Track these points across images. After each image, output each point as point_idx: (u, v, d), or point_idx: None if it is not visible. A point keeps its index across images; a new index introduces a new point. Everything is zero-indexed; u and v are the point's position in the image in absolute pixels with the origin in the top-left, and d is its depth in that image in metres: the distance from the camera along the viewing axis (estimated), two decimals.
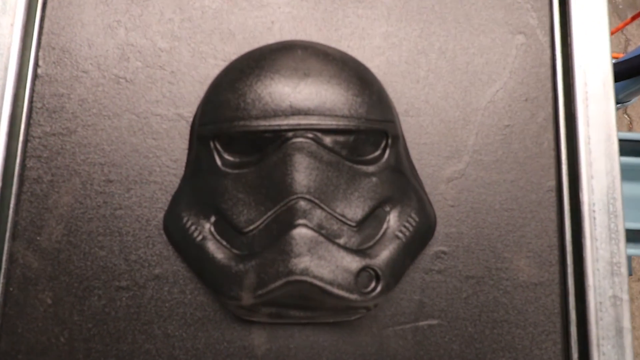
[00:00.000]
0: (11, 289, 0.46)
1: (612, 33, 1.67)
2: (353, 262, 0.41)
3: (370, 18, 0.53)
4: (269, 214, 0.41)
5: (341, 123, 0.42)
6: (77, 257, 0.47)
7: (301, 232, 0.40)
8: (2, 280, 0.46)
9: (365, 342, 0.47)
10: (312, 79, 0.42)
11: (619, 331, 0.48)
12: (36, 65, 0.50)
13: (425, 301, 0.48)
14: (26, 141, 0.49)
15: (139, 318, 0.46)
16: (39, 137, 0.49)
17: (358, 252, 0.42)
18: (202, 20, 0.52)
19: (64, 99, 0.50)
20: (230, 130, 0.42)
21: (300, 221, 0.40)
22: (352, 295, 0.40)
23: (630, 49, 1.94)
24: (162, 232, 0.47)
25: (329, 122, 0.42)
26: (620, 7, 1.96)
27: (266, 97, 0.42)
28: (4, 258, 0.46)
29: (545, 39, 0.54)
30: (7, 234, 0.47)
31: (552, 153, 0.51)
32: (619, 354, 0.48)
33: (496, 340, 0.48)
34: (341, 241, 0.42)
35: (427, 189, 0.49)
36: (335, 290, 0.40)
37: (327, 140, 0.42)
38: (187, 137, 0.49)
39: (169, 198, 0.48)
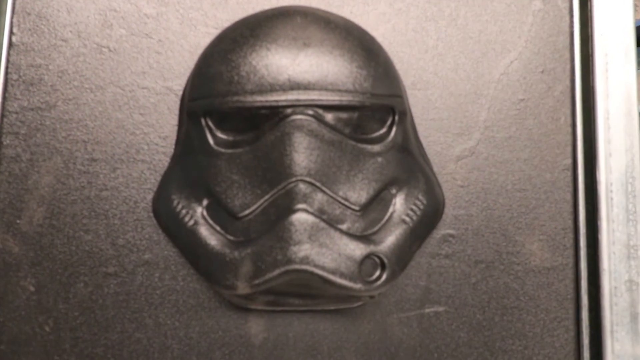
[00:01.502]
0: None
1: None
2: (357, 249, 0.38)
3: None
4: (266, 197, 0.38)
5: (344, 98, 0.38)
6: (61, 242, 0.44)
7: (301, 218, 0.37)
8: None
9: (368, 329, 0.44)
10: (312, 50, 0.38)
11: (634, 317, 0.46)
12: (10, 33, 0.46)
13: (432, 287, 0.45)
14: (2, 116, 0.45)
15: (128, 306, 0.43)
16: (16, 112, 0.45)
17: (362, 238, 0.39)
18: None
19: (42, 70, 0.45)
20: (223, 107, 0.38)
21: (300, 206, 0.37)
22: (356, 284, 0.38)
23: (638, 16, 1.87)
24: (151, 214, 0.44)
25: (331, 98, 0.38)
26: None
27: (262, 69, 0.38)
28: None
29: (564, 5, 0.49)
30: None
31: (569, 129, 0.48)
32: (634, 340, 0.46)
33: (506, 328, 0.45)
34: (344, 227, 0.39)
35: (436, 169, 0.46)
36: (338, 280, 0.37)
37: (329, 117, 0.39)
38: (177, 112, 0.45)
39: (158, 178, 0.44)
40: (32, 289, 0.43)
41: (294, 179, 0.37)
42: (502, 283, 0.46)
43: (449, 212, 0.46)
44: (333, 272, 0.37)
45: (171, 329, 0.43)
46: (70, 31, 0.46)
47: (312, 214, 0.37)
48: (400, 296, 0.45)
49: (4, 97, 0.45)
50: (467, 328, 0.45)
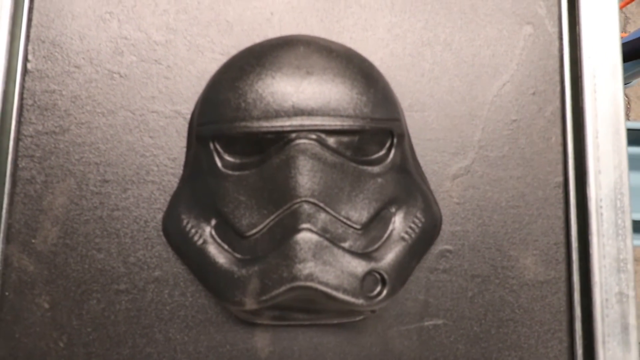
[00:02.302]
0: (7, 293, 0.45)
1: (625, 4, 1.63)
2: (358, 267, 0.40)
3: (373, 8, 0.51)
4: (272, 217, 0.40)
5: (346, 123, 0.40)
6: (74, 260, 0.45)
7: (305, 237, 0.39)
8: None
9: (370, 342, 0.46)
10: (315, 77, 0.41)
11: (625, 328, 0.48)
12: (25, 59, 0.48)
13: (430, 301, 0.47)
14: (17, 140, 0.47)
15: (139, 322, 0.45)
16: (31, 136, 0.47)
17: (363, 255, 0.41)
18: (199, 12, 0.50)
19: (56, 95, 0.48)
20: (231, 132, 0.40)
21: (304, 225, 0.39)
22: (358, 300, 0.40)
23: (630, 27, 1.91)
24: (161, 233, 0.46)
25: (333, 123, 0.40)
26: None
27: (268, 96, 0.40)
28: None
29: (554, 30, 0.52)
30: (1, 237, 0.45)
31: (560, 148, 0.50)
32: (625, 351, 0.48)
33: (502, 340, 0.47)
34: (346, 245, 0.41)
35: (432, 187, 0.48)
36: (341, 296, 0.39)
37: (331, 141, 0.41)
38: (185, 135, 0.47)
39: (168, 198, 0.46)
40: (46, 306, 0.45)
41: (298, 200, 0.39)
42: (497, 296, 0.47)
43: (446, 228, 0.48)
44: (336, 289, 0.39)
45: (180, 343, 0.45)
46: (83, 58, 0.48)
47: (316, 233, 0.39)
48: (400, 310, 0.47)
49: (20, 122, 0.47)
50: (465, 340, 0.47)
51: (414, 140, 0.49)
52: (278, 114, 0.40)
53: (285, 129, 0.39)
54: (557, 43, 0.52)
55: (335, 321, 0.45)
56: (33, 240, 0.45)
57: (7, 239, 0.45)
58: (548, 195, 0.49)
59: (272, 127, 0.40)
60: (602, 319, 0.48)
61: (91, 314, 0.45)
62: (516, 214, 0.49)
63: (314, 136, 0.40)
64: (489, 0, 0.51)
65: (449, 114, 0.50)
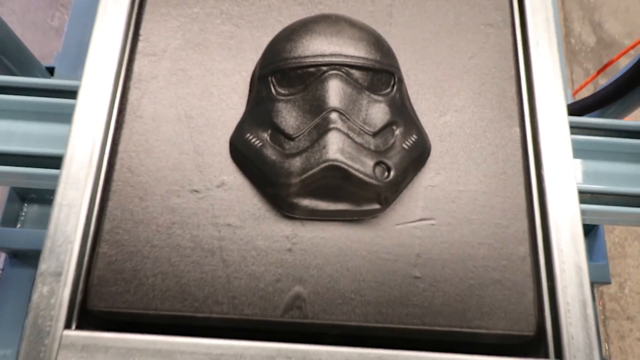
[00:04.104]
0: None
1: (577, 90, 1.88)
2: (372, 157, 0.56)
3: (375, 19, 0.72)
4: (311, 123, 0.57)
5: (362, 62, 0.59)
6: (163, 166, 0.62)
7: (334, 134, 0.56)
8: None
9: (382, 235, 0.61)
10: (341, 35, 0.60)
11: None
12: None
13: (427, 206, 0.62)
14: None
15: (210, 212, 0.60)
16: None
17: (375, 152, 0.57)
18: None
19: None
20: (285, 66, 0.59)
21: (333, 125, 0.56)
22: (372, 180, 0.55)
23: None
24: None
25: (354, 61, 0.59)
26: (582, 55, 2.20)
27: (310, 45, 0.60)
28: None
29: (507, 31, 0.72)
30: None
31: None
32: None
33: (474, 234, 0.61)
34: (362, 142, 0.57)
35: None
36: (360, 175, 0.55)
37: (353, 74, 0.59)
38: (248, 82, 0.66)
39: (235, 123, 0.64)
40: (141, 199, 0.61)
41: (330, 109, 0.57)
42: (480, 204, 0.62)
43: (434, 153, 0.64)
44: (356, 170, 0.55)
45: (235, 227, 0.60)
46: None
47: (341, 131, 0.56)
48: (404, 212, 0.62)
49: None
50: (458, 232, 0.61)
51: None
52: (316, 55, 0.59)
53: (322, 62, 0.58)
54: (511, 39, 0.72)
55: (355, 217, 0.60)
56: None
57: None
58: (510, 136, 0.66)
59: (313, 61, 0.59)
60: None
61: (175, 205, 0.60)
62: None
63: (341, 69, 0.58)
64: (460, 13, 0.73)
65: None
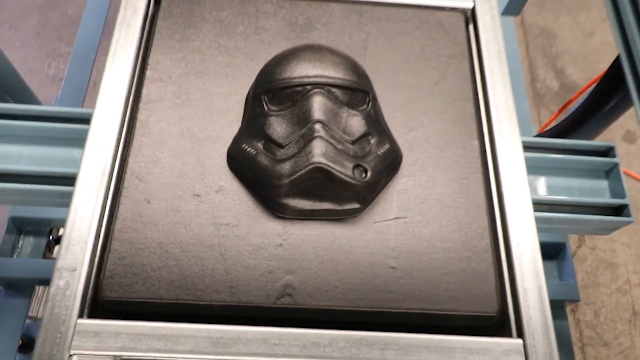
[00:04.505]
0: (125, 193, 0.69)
1: (542, 129, 2.03)
2: (351, 161, 0.66)
3: (353, 51, 0.83)
4: (299, 132, 0.67)
5: (341, 82, 0.70)
6: (170, 174, 0.70)
7: (319, 141, 0.65)
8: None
9: (362, 231, 0.69)
10: (323, 60, 0.71)
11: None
12: None
13: (400, 206, 0.71)
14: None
15: (210, 212, 0.68)
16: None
17: (354, 156, 0.67)
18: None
19: None
20: (276, 86, 0.69)
21: (318, 134, 0.66)
22: (351, 180, 0.64)
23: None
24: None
25: (335, 81, 0.69)
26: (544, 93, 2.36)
27: (297, 69, 0.70)
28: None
29: (466, 61, 0.84)
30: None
31: None
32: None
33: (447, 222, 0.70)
34: (343, 149, 0.67)
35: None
36: (341, 176, 0.64)
37: (334, 92, 0.69)
38: (243, 103, 0.76)
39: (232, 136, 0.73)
40: (149, 203, 0.68)
41: (314, 120, 0.66)
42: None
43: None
44: (338, 171, 0.64)
45: (233, 226, 0.68)
46: None
47: (325, 139, 0.65)
48: (380, 212, 0.70)
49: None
50: (430, 227, 0.69)
51: None
52: (302, 76, 0.69)
53: (307, 82, 0.69)
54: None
55: (338, 216, 0.69)
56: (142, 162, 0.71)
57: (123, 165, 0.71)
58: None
59: (299, 81, 0.69)
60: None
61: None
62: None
63: (323, 88, 0.69)
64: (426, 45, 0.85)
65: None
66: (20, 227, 1.39)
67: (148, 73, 0.78)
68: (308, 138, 0.66)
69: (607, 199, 0.92)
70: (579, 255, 2.08)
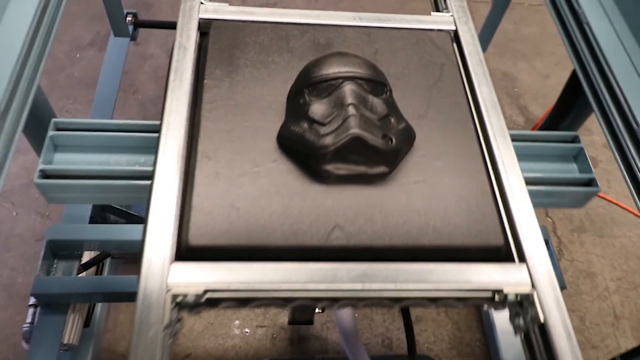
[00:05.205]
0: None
1: None
2: (379, 132, 0.85)
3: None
4: (337, 113, 0.86)
5: (366, 75, 0.90)
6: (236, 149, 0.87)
7: (353, 118, 0.84)
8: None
9: (391, 190, 0.87)
10: (350, 61, 0.92)
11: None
12: None
13: (418, 172, 0.89)
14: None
15: (268, 180, 0.85)
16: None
17: (381, 129, 0.86)
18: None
19: None
20: (315, 80, 0.89)
21: (352, 113, 0.84)
22: (381, 145, 0.83)
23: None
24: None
25: (361, 74, 0.90)
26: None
27: (331, 68, 0.90)
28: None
29: (455, 67, 1.06)
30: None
31: None
32: None
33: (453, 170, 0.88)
34: (372, 124, 0.86)
35: None
36: (373, 142, 0.83)
37: (361, 83, 0.89)
38: (285, 100, 0.95)
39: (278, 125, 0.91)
40: (217, 174, 0.85)
41: (348, 103, 0.85)
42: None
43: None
44: (370, 139, 0.83)
45: (284, 195, 0.84)
46: None
47: (357, 116, 0.84)
48: (403, 175, 0.88)
49: None
50: (439, 187, 0.87)
51: None
52: (335, 72, 0.89)
53: (339, 75, 0.88)
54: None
55: (370, 179, 0.86)
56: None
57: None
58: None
59: (333, 75, 0.89)
60: None
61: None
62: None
63: (353, 80, 0.88)
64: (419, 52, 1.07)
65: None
66: (55, 251, 1.51)
67: (206, 81, 0.97)
68: (345, 116, 0.85)
69: (578, 175, 1.12)
70: (561, 268, 2.27)
